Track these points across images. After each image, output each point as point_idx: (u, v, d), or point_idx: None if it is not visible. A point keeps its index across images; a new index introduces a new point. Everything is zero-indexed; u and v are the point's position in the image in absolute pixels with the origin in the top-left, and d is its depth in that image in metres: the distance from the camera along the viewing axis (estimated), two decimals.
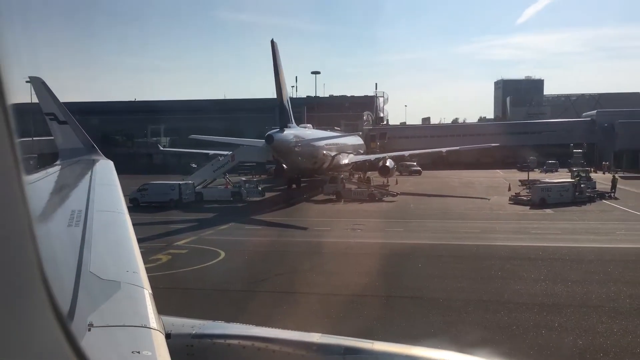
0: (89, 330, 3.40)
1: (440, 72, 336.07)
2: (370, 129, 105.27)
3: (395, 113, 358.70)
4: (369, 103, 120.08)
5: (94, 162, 13.49)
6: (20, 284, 2.14)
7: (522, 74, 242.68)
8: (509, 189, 58.72)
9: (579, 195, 51.34)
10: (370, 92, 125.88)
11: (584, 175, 60.25)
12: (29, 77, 16.05)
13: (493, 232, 37.56)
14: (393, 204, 52.88)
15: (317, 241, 35.41)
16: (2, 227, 2.09)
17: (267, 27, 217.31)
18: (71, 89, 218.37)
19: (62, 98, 16.44)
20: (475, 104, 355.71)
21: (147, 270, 5.20)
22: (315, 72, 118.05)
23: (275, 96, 67.18)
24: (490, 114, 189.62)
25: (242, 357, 5.10)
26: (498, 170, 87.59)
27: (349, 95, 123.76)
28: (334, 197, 56.07)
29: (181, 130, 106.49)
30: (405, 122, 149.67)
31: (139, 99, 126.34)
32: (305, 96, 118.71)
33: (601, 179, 64.33)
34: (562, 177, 66.68)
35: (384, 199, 55.75)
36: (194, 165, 79.87)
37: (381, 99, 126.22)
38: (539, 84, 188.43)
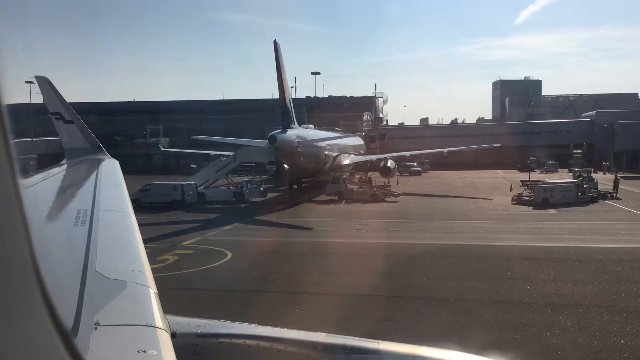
0: (95, 329, 3.41)
1: (438, 72, 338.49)
2: (370, 129, 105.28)
3: (394, 113, 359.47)
4: (368, 103, 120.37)
5: (99, 161, 13.45)
6: (14, 286, 2.12)
7: (519, 74, 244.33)
8: (511, 189, 58.77)
9: (582, 196, 51.42)
10: (369, 93, 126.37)
11: (585, 175, 60.42)
12: (35, 77, 15.93)
13: (498, 233, 37.57)
14: (396, 205, 52.86)
15: (322, 241, 35.35)
16: None
17: (267, 28, 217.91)
18: (71, 89, 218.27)
19: None
20: (473, 104, 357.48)
21: (155, 270, 5.19)
22: (315, 73, 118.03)
23: (276, 97, 67.21)
24: (488, 115, 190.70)
25: (247, 356, 5.08)
26: (498, 171, 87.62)
27: (348, 95, 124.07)
28: (336, 197, 55.96)
29: (181, 131, 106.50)
30: (404, 123, 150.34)
31: (138, 99, 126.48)
32: (304, 97, 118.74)
33: (601, 180, 64.47)
34: (563, 177, 66.88)
35: (386, 199, 55.74)
36: (193, 166, 79.84)
37: (380, 100, 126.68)
38: (537, 84, 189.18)
